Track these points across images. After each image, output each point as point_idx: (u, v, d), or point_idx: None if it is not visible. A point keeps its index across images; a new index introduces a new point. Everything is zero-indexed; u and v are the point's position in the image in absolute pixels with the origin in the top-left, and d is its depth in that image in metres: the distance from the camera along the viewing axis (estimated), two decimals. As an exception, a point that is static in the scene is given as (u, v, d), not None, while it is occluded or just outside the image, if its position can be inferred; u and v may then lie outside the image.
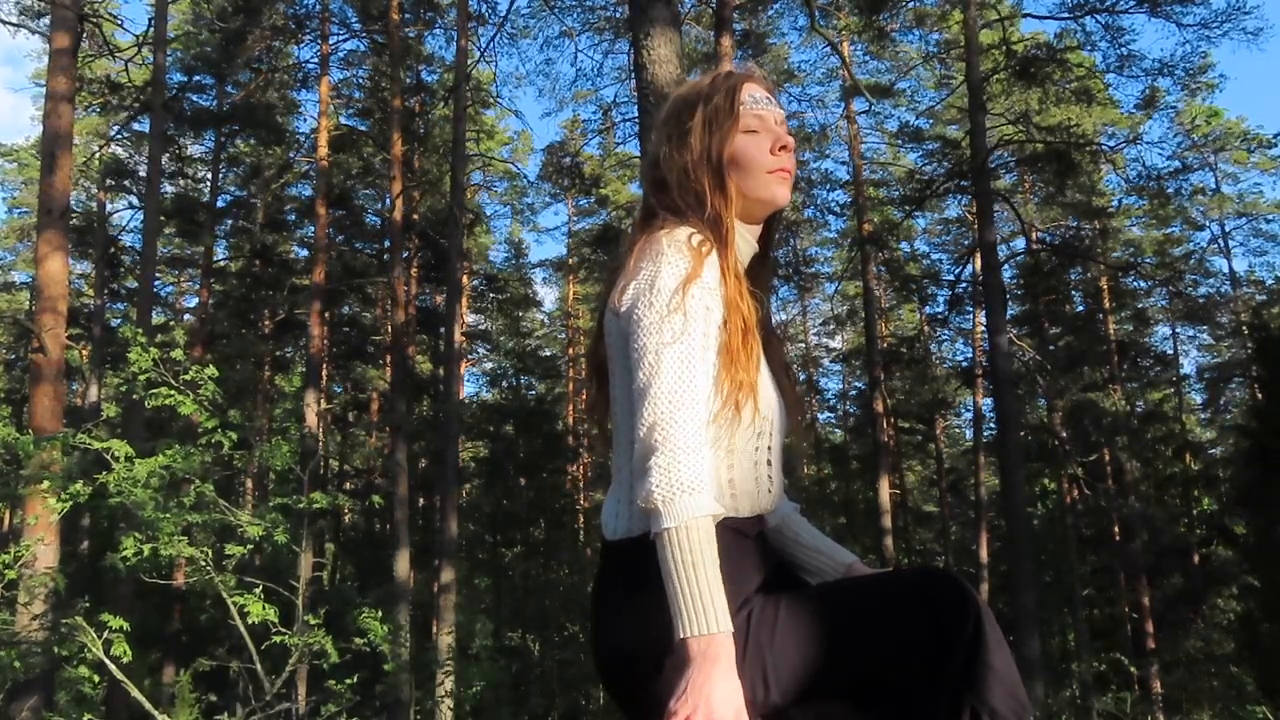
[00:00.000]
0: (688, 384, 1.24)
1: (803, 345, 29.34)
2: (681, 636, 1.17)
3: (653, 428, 1.22)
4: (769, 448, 1.41)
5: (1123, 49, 15.26)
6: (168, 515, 6.21)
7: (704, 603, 1.16)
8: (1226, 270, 25.16)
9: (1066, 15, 15.34)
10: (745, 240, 1.47)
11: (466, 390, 26.20)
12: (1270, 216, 24.70)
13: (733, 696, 1.15)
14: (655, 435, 1.22)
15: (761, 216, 1.49)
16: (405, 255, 18.81)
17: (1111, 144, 18.47)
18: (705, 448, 1.24)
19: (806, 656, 1.28)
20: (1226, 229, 24.95)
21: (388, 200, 19.49)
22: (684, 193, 1.42)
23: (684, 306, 1.27)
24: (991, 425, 22.22)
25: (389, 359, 21.55)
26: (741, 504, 1.37)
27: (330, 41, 19.03)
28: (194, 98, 20.37)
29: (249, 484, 21.95)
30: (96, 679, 6.79)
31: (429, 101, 20.45)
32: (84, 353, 22.31)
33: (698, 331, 1.27)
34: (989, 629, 1.25)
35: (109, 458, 6.37)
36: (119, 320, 21.96)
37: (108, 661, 6.27)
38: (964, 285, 20.45)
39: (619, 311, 1.34)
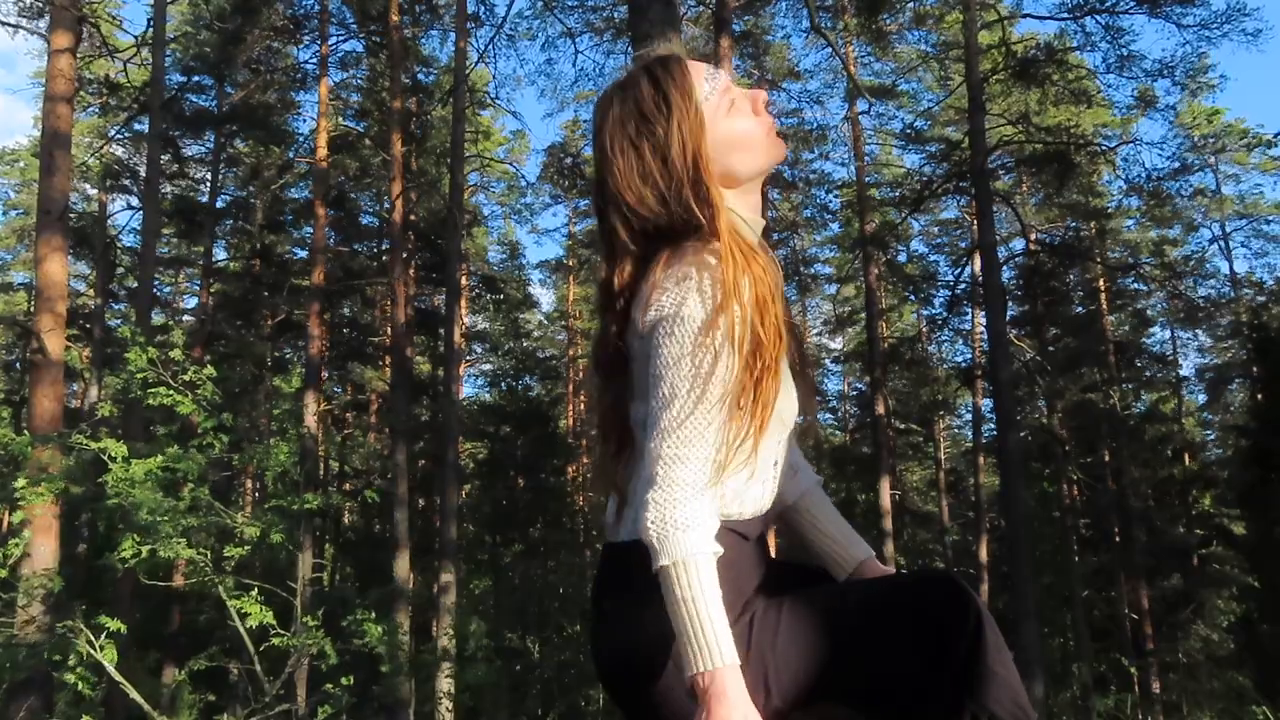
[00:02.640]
0: (701, 423, 1.22)
1: (802, 346, 29.29)
2: (690, 673, 1.17)
3: (657, 460, 1.21)
4: (783, 450, 1.40)
5: (1122, 50, 15.27)
6: (165, 518, 6.19)
7: (706, 638, 1.16)
8: (1227, 271, 25.19)
9: (1066, 16, 15.34)
10: (750, 229, 1.41)
11: (465, 391, 26.20)
12: (1271, 218, 24.70)
13: None
14: (658, 469, 1.21)
15: (759, 185, 1.45)
16: (404, 256, 18.80)
17: (1111, 145, 18.48)
18: (707, 488, 1.22)
19: (808, 661, 1.28)
20: (1227, 230, 24.95)
21: (386, 201, 19.49)
22: (674, 218, 1.31)
23: (709, 341, 1.22)
24: (991, 426, 22.22)
25: (388, 360, 21.54)
26: (746, 508, 1.35)
27: (329, 42, 19.02)
28: (193, 98, 20.38)
29: (249, 485, 21.94)
30: (94, 680, 6.77)
31: (426, 102, 20.44)
32: (84, 354, 22.29)
33: (720, 367, 1.23)
34: (989, 633, 1.24)
35: (105, 458, 6.36)
36: (118, 321, 21.94)
37: (105, 663, 6.25)
38: (963, 286, 20.46)
39: (641, 331, 1.29)
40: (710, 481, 1.23)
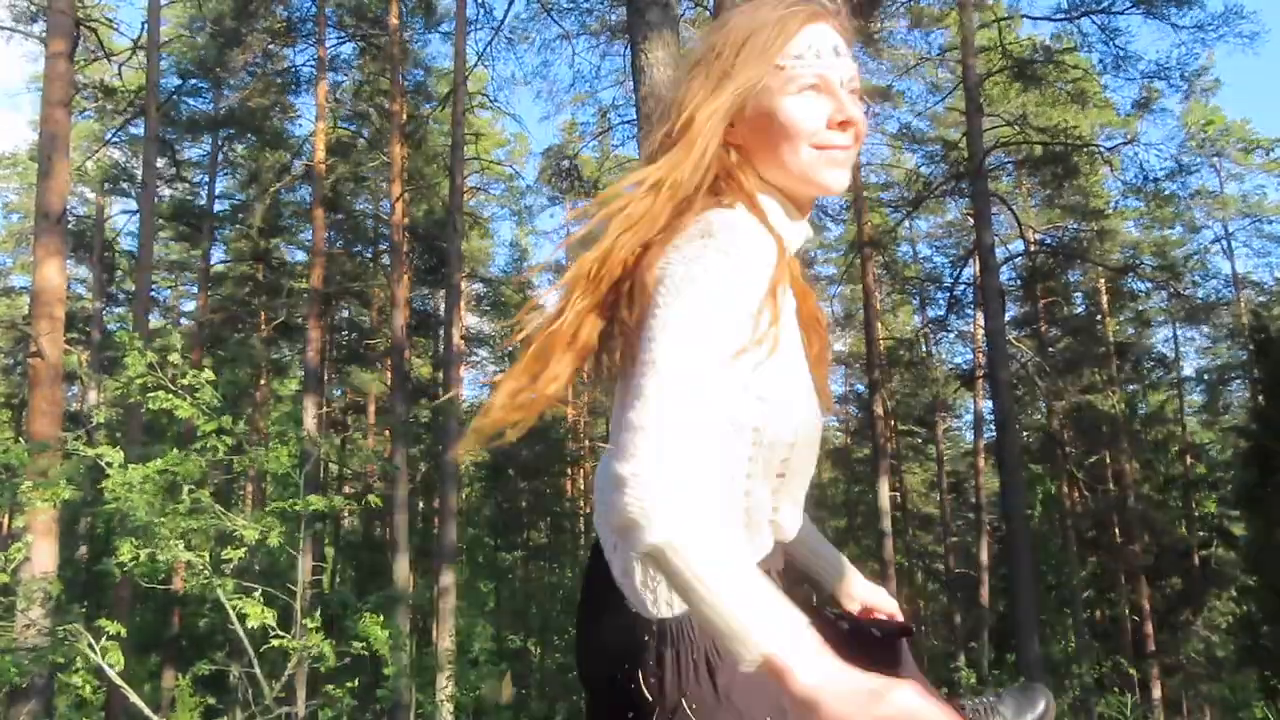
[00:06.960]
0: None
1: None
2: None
3: None
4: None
5: (1119, 51, 15.26)
6: (163, 520, 6.17)
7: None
8: (1229, 271, 25.17)
9: (1062, 16, 15.36)
10: (792, 227, 1.20)
11: (466, 393, 26.17)
12: (1273, 218, 24.69)
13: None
14: None
15: (809, 201, 1.23)
16: (403, 259, 18.79)
17: (1109, 145, 18.47)
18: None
19: None
20: (1230, 230, 24.95)
21: (385, 204, 19.48)
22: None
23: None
24: (991, 427, 22.22)
25: (388, 362, 21.52)
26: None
27: (326, 45, 18.99)
28: (190, 102, 20.37)
29: (249, 487, 21.92)
30: (95, 684, 6.75)
31: (425, 105, 20.43)
32: (82, 357, 22.27)
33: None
34: None
35: (103, 464, 6.34)
36: (118, 324, 21.93)
37: (106, 667, 6.23)
38: (963, 287, 20.46)
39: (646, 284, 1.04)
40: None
